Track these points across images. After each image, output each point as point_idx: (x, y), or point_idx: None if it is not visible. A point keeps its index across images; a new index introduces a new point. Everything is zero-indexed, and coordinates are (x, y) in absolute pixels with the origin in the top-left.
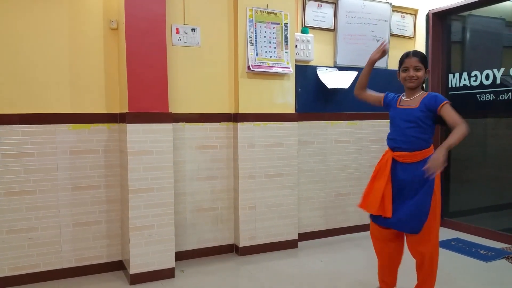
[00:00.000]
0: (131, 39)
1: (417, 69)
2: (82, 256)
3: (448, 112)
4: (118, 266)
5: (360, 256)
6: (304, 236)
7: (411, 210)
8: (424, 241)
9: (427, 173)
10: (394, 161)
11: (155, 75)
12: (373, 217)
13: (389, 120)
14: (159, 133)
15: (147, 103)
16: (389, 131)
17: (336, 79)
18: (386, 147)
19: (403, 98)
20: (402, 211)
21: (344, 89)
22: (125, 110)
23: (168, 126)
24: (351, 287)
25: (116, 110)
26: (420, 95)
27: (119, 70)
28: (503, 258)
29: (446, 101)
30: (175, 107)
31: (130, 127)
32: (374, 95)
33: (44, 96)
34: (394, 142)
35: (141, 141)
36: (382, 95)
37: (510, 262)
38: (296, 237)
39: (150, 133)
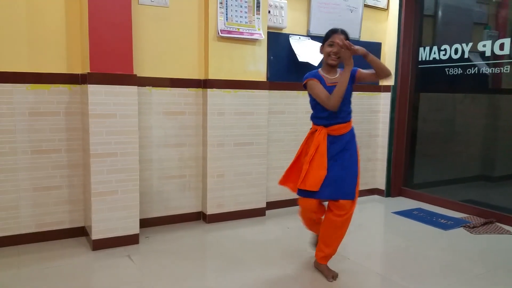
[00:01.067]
0: None
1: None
2: (43, 221)
3: (364, 70)
4: (81, 232)
5: None
6: (272, 205)
7: (346, 178)
8: (348, 207)
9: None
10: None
11: (119, 35)
12: (305, 193)
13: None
14: (123, 96)
15: (110, 63)
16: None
17: (308, 51)
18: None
19: (327, 76)
20: (338, 180)
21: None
22: (87, 70)
23: (133, 89)
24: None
25: (78, 70)
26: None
27: (81, 28)
28: (461, 226)
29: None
30: (141, 70)
31: (92, 88)
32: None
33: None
34: (327, 120)
35: (103, 103)
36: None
37: (467, 231)
38: (264, 205)
39: (113, 95)
